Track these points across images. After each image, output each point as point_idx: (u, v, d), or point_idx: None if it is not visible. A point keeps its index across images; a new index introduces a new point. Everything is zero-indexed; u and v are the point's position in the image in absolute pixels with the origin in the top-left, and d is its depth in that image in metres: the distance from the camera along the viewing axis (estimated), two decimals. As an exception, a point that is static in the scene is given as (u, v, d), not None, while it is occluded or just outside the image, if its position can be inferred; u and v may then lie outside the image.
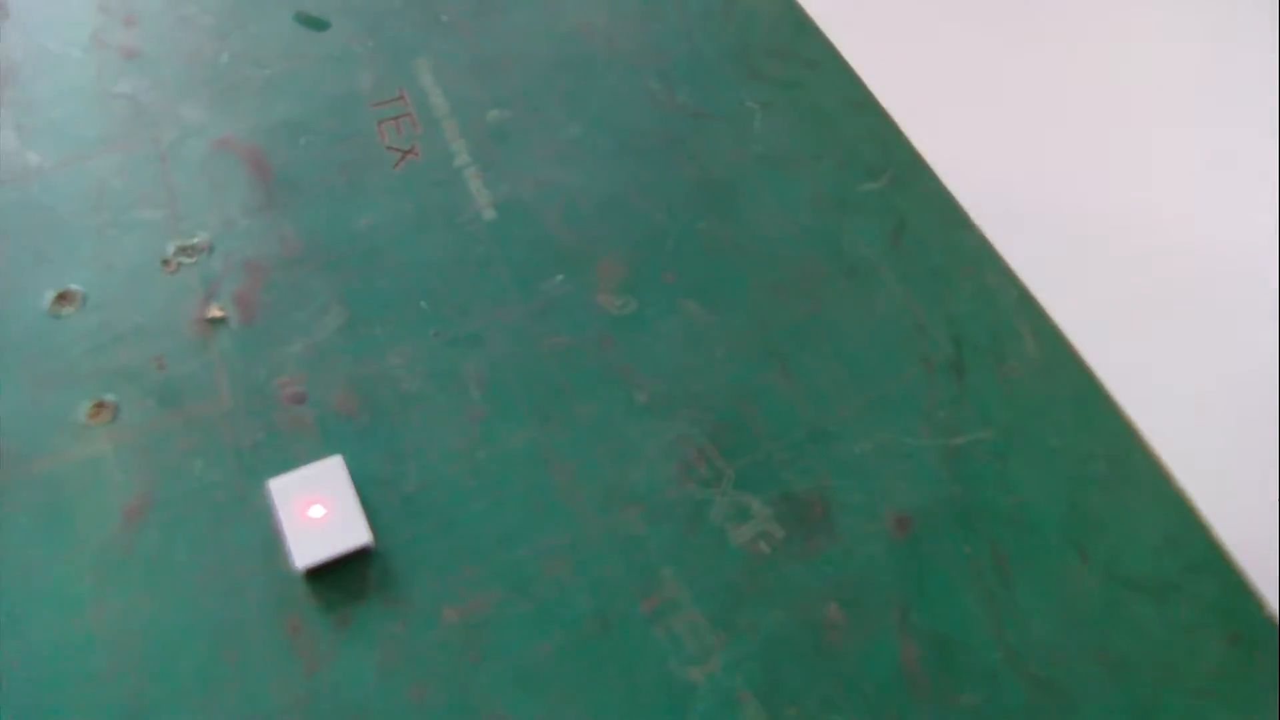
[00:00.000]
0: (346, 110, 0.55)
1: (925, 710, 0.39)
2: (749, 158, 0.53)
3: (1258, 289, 0.62)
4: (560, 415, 0.45)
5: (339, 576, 0.42)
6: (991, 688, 0.40)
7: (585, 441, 0.45)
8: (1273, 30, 0.73)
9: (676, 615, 0.41)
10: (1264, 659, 0.41)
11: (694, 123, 0.54)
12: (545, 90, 0.56)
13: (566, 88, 0.56)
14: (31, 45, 0.57)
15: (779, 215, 0.51)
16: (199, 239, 0.50)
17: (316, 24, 0.58)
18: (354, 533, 0.42)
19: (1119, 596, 0.42)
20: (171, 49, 0.58)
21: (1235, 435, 0.55)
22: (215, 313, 0.48)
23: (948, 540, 0.43)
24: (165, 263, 0.50)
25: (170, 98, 0.56)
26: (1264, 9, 0.75)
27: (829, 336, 0.47)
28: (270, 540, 0.42)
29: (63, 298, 0.49)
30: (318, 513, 0.43)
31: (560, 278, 0.49)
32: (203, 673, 0.40)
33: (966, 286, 0.49)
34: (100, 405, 0.46)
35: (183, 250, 0.50)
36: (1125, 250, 0.64)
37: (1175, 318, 0.61)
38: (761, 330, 0.48)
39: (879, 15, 0.66)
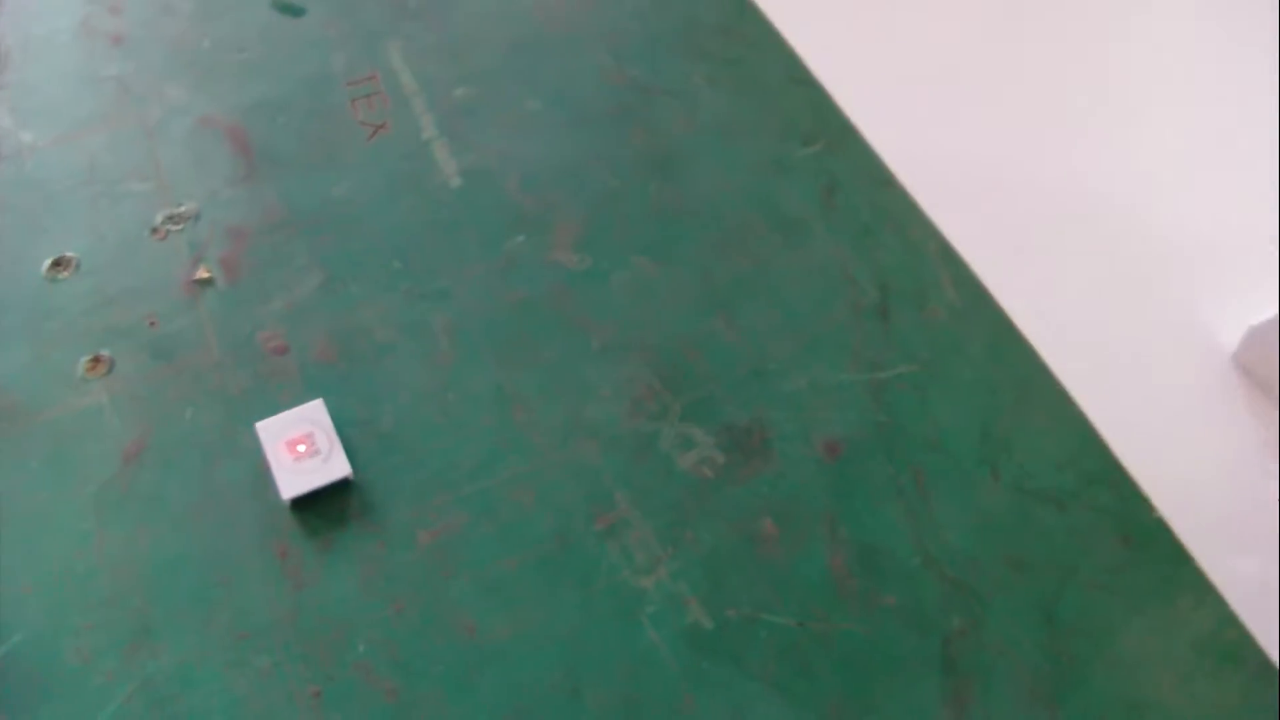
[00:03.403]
0: (322, 89, 0.60)
1: (851, 608, 0.44)
2: (695, 127, 0.58)
3: (1145, 237, 0.68)
4: (522, 360, 0.50)
5: (322, 506, 0.46)
6: (911, 588, 0.45)
7: (545, 383, 0.49)
8: None
9: (628, 532, 0.46)
10: (1152, 555, 0.46)
11: (644, 96, 0.59)
12: (506, 69, 0.60)
13: (526, 66, 0.60)
14: (24, 33, 0.62)
15: (722, 179, 0.56)
16: (185, 208, 0.55)
17: (292, 10, 0.63)
18: (335, 466, 0.47)
19: (1025, 507, 0.47)
20: (156, 34, 0.62)
21: (1129, 361, 0.61)
22: (202, 274, 0.53)
23: (873, 463, 0.47)
24: (154, 230, 0.54)
25: (155, 79, 0.60)
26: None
27: (767, 286, 0.52)
28: (259, 476, 0.46)
29: (58, 264, 0.53)
30: (302, 449, 0.47)
31: (521, 238, 0.54)
32: (199, 594, 0.44)
33: (892, 240, 0.54)
34: (97, 360, 0.50)
35: (170, 219, 0.54)
36: (1036, 204, 0.69)
37: (1076, 261, 0.66)
38: (705, 282, 0.52)
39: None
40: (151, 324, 0.51)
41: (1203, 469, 0.63)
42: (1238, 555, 0.57)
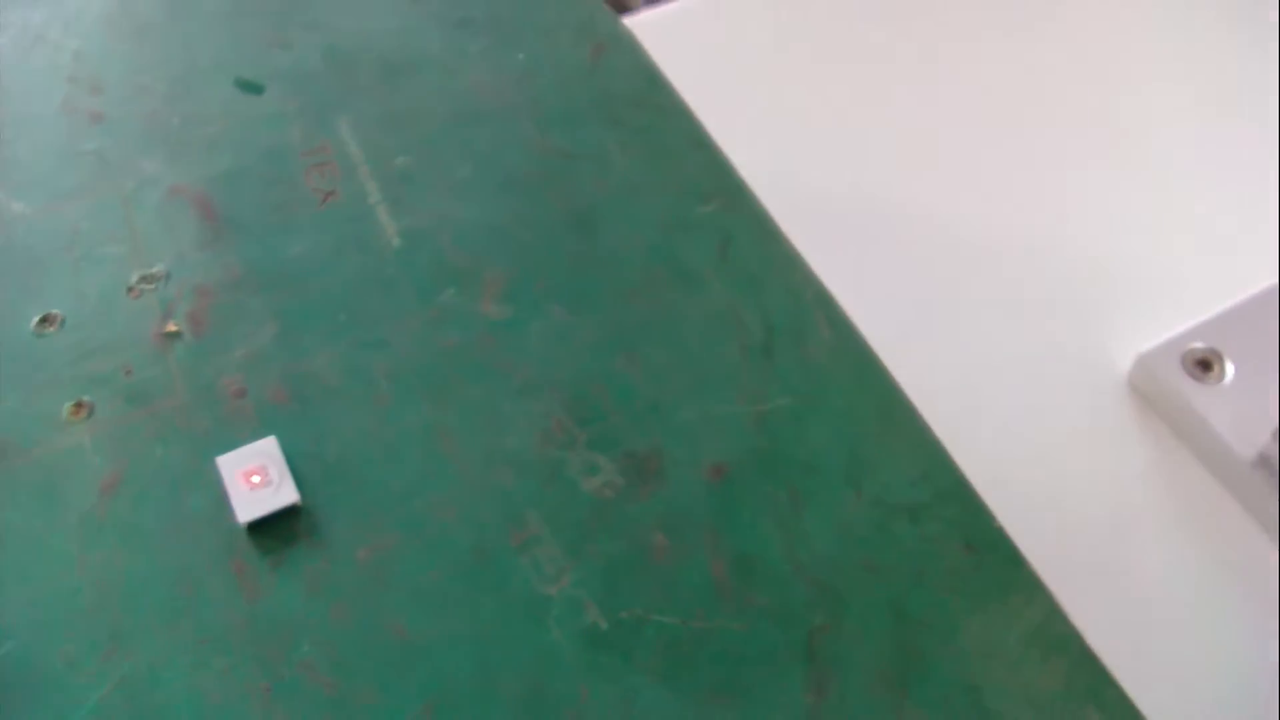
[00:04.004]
0: (279, 160, 0.67)
1: (728, 608, 0.51)
2: (608, 189, 0.65)
3: (1000, 280, 0.73)
4: (450, 400, 0.57)
5: (274, 528, 0.53)
6: (781, 590, 0.52)
7: (469, 418, 0.57)
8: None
9: (538, 547, 0.53)
10: (991, 560, 0.53)
11: (563, 162, 0.67)
12: (443, 138, 0.68)
13: (460, 136, 0.68)
14: (10, 112, 0.69)
15: (630, 235, 0.63)
16: (157, 269, 0.62)
17: (253, 88, 0.71)
18: (285, 494, 0.54)
19: (883, 519, 0.54)
20: (131, 112, 0.70)
21: (974, 389, 0.66)
22: (171, 328, 0.60)
23: (753, 483, 0.55)
24: (130, 289, 0.62)
25: (131, 153, 0.68)
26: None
27: (667, 330, 0.60)
28: (219, 504, 0.54)
29: (45, 320, 0.60)
30: (256, 480, 0.55)
31: (452, 291, 0.61)
32: (167, 605, 0.51)
33: (776, 287, 0.61)
34: (79, 405, 0.58)
35: (144, 279, 0.62)
36: (903, 252, 0.74)
37: (936, 303, 0.72)
38: (613, 327, 0.60)
39: (717, 68, 0.78)
40: (127, 373, 0.58)
41: (1093, 484, 0.68)
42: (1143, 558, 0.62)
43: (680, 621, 0.50)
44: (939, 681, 0.50)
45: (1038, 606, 0.51)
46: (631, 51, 0.73)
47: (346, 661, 0.50)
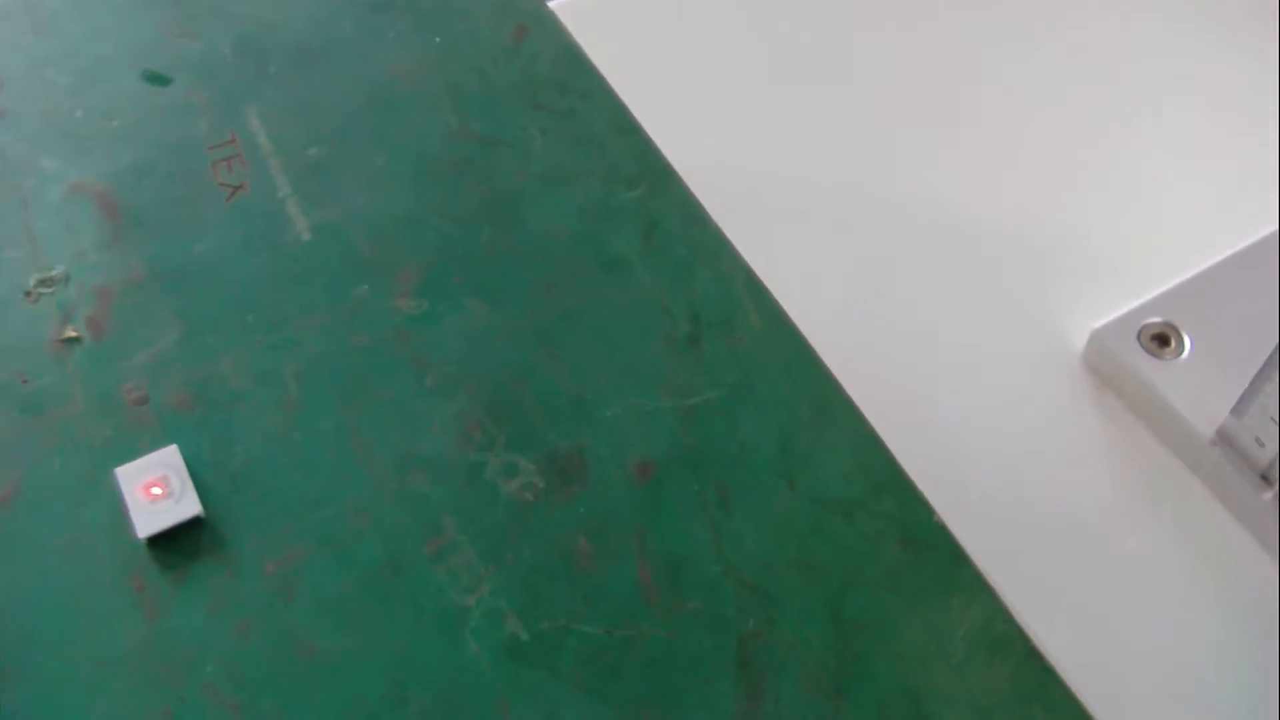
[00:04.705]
0: (185, 154, 0.64)
1: (656, 615, 0.49)
2: (529, 176, 0.63)
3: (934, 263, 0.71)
4: (362, 400, 0.55)
5: (176, 542, 0.51)
6: (712, 594, 0.49)
7: (382, 420, 0.54)
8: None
9: (454, 555, 0.50)
10: (931, 557, 0.51)
11: (483, 148, 0.64)
12: (357, 127, 0.65)
13: (375, 124, 0.65)
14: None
15: (552, 223, 0.61)
16: (56, 271, 0.59)
17: (159, 80, 0.68)
18: (186, 506, 0.51)
19: (818, 516, 0.51)
20: (32, 106, 0.66)
21: (930, 355, 0.64)
22: (70, 333, 0.57)
23: (681, 481, 0.52)
24: (27, 294, 0.58)
25: (31, 150, 0.64)
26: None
27: (590, 322, 0.57)
28: (119, 517, 0.51)
29: (-62, 328, 0.57)
30: (157, 492, 0.52)
31: (365, 287, 0.58)
32: (62, 627, 0.48)
33: (704, 274, 0.59)
34: (-28, 416, 0.54)
35: (42, 282, 0.59)
36: (840, 213, 0.72)
37: (883, 268, 0.69)
38: (534, 320, 0.57)
39: (643, 51, 0.76)
40: (24, 381, 0.55)
41: (1046, 467, 0.66)
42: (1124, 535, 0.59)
43: (605, 630, 0.48)
44: (877, 686, 0.48)
45: (980, 605, 0.49)
46: (555, 33, 0.70)
47: (252, 681, 0.47)
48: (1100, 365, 0.64)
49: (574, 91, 0.67)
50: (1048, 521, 0.59)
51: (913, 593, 0.49)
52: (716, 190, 0.60)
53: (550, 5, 0.73)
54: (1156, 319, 0.65)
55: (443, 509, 0.51)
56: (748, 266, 0.57)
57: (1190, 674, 0.55)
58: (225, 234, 0.60)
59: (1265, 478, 0.56)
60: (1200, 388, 0.61)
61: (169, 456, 0.52)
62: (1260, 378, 0.57)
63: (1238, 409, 0.57)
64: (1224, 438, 0.58)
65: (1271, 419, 0.55)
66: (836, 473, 0.52)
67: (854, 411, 0.53)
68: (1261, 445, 0.56)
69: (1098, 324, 0.65)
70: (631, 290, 0.57)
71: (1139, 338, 0.64)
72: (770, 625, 0.48)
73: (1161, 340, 0.64)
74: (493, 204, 0.61)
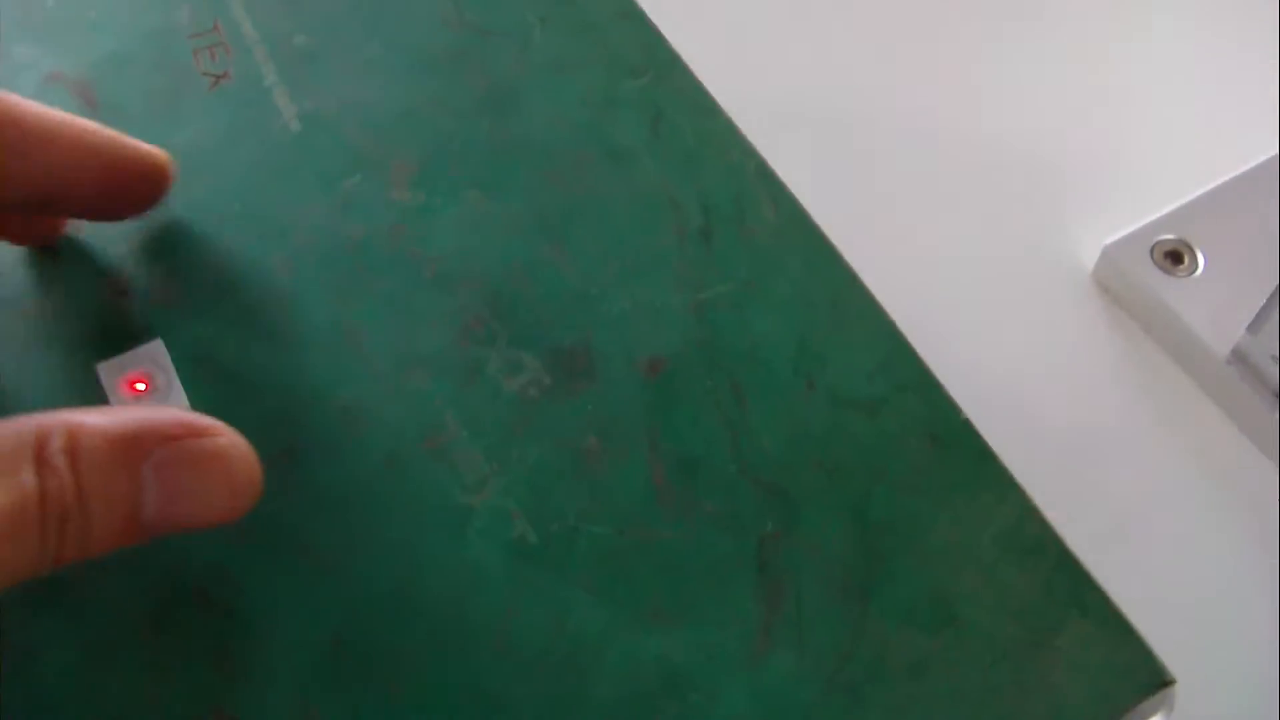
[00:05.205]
0: (166, 42, 0.61)
1: (670, 516, 0.46)
2: (528, 66, 0.59)
3: (958, 160, 0.69)
4: (357, 294, 0.52)
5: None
6: (728, 495, 0.47)
7: (378, 314, 0.51)
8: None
9: (456, 452, 0.48)
10: (957, 455, 0.48)
11: (480, 38, 0.60)
12: (347, 16, 0.62)
13: (366, 13, 0.62)
14: None
15: (554, 114, 0.58)
16: (29, 161, 0.56)
17: (136, -34, 0.64)
18: (173, 402, 0.49)
19: (838, 415, 0.49)
20: (2, -4, 0.63)
21: (938, 271, 0.63)
22: (45, 225, 0.54)
23: (693, 378, 0.50)
24: None
25: (4, 39, 0.61)
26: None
27: (595, 215, 0.54)
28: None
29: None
30: (141, 388, 0.49)
31: (358, 178, 0.55)
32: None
33: (714, 164, 0.56)
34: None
35: (14, 172, 0.55)
36: (852, 123, 0.71)
37: (892, 181, 0.68)
38: (535, 213, 0.54)
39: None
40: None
41: (1059, 385, 0.64)
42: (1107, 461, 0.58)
43: (617, 532, 0.45)
44: (904, 589, 0.46)
45: (1010, 505, 0.47)
46: (553, -82, 0.66)
47: (244, 585, 0.44)
48: (1112, 282, 0.63)
49: (573, -23, 0.63)
50: (1057, 440, 0.58)
51: (939, 492, 0.47)
52: (728, 87, 0.57)
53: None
54: (1170, 235, 0.64)
55: (444, 405, 0.49)
56: (760, 158, 0.54)
57: (1199, 592, 0.54)
58: (208, 124, 0.57)
59: (1280, 396, 0.54)
60: (1214, 305, 0.60)
61: (154, 351, 0.50)
62: (1278, 294, 0.55)
63: (1254, 326, 0.56)
64: (1239, 356, 0.56)
65: (1289, 336, 0.53)
66: (858, 371, 0.49)
67: (877, 308, 0.50)
68: (1277, 362, 0.54)
69: (1109, 240, 0.63)
70: (638, 182, 0.54)
71: (1152, 254, 0.63)
72: (790, 527, 0.46)
73: (1175, 257, 0.63)
74: (491, 95, 0.58)
